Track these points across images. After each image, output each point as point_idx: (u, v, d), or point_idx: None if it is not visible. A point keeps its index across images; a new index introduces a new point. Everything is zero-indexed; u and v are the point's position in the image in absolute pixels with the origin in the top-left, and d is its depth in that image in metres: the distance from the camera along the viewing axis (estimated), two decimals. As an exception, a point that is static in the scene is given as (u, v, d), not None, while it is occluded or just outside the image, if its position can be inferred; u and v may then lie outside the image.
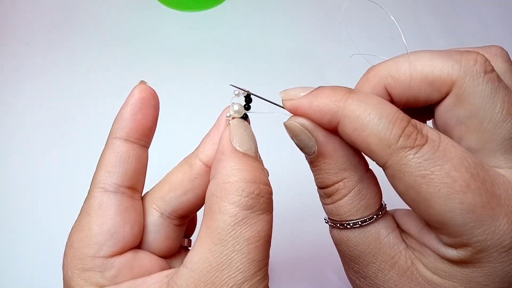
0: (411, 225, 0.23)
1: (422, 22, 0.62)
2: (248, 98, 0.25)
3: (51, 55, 0.56)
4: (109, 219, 0.22)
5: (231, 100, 0.25)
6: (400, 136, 0.20)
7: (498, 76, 0.20)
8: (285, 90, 0.23)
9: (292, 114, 0.23)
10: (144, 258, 0.23)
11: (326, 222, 0.24)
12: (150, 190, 0.25)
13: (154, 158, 0.47)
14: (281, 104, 0.24)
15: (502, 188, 0.20)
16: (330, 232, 0.24)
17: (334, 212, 0.23)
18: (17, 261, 0.43)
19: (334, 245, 0.25)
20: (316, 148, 0.22)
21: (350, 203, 0.22)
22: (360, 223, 0.22)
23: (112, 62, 0.56)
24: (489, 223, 0.19)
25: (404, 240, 0.23)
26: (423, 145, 0.19)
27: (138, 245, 0.24)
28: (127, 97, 0.26)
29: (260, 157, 0.22)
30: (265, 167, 0.23)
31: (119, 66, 0.56)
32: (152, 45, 0.58)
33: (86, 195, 0.24)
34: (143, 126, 0.25)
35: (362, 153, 0.23)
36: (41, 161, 0.48)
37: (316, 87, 0.24)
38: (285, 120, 0.23)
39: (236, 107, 0.24)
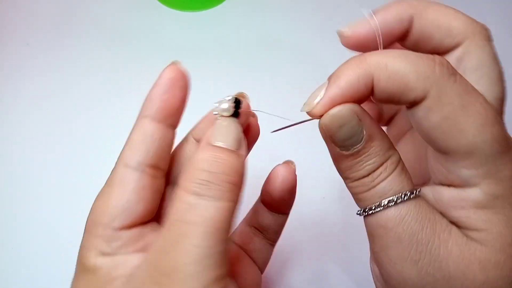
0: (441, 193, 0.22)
1: (422, 22, 0.62)
2: (237, 103, 0.24)
3: (51, 55, 0.56)
4: (126, 195, 0.23)
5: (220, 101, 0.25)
6: (435, 65, 0.20)
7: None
8: (303, 104, 0.22)
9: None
10: (150, 233, 0.24)
11: (362, 214, 0.23)
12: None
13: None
14: (307, 118, 0.23)
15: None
16: (370, 221, 0.22)
17: (380, 193, 0.22)
18: (17, 261, 0.43)
19: (374, 238, 0.23)
20: (365, 133, 0.21)
21: (399, 176, 0.22)
22: (411, 193, 0.21)
23: (112, 62, 0.56)
24: (508, 154, 0.20)
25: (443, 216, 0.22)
26: (457, 74, 0.20)
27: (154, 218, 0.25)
28: (158, 77, 0.27)
29: (243, 149, 0.23)
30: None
31: (119, 66, 0.56)
32: (152, 45, 0.58)
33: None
34: (170, 106, 0.25)
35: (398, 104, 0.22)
36: (41, 161, 0.48)
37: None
38: (323, 118, 0.21)
39: (225, 105, 0.24)
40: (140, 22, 0.60)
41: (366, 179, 0.22)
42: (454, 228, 0.21)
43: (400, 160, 0.22)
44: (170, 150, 0.26)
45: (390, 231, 0.21)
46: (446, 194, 0.22)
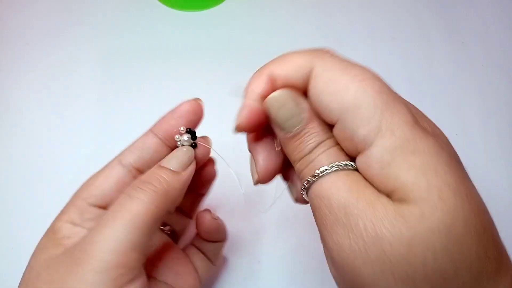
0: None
1: (421, 21, 0.62)
2: (193, 135, 0.30)
3: (51, 55, 0.56)
4: (108, 183, 0.28)
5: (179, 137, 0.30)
6: (317, 50, 0.24)
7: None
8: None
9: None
10: None
11: (302, 190, 0.24)
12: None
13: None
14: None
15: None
16: (309, 195, 0.23)
17: (317, 165, 0.22)
18: (17, 261, 0.43)
19: (313, 212, 0.23)
20: (305, 115, 0.23)
21: (335, 152, 0.23)
22: (345, 164, 0.22)
23: (111, 61, 0.56)
24: (392, 106, 0.21)
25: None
26: (337, 55, 0.24)
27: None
28: (178, 104, 0.31)
29: (186, 172, 0.28)
30: None
31: (118, 66, 0.56)
32: (152, 44, 0.58)
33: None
34: (171, 130, 0.29)
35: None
36: (41, 160, 0.48)
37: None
38: (265, 101, 0.24)
39: (185, 138, 0.29)
40: (140, 22, 0.60)
41: (308, 156, 0.23)
42: (383, 197, 0.20)
43: (337, 143, 0.23)
44: (159, 161, 0.29)
45: (323, 199, 0.22)
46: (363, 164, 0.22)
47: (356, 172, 0.22)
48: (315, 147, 0.23)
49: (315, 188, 0.22)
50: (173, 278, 0.30)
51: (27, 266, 0.26)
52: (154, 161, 0.29)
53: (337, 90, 0.22)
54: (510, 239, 0.43)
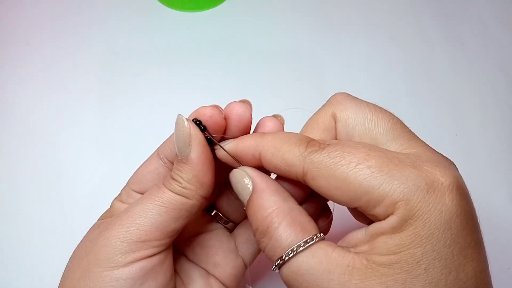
0: (352, 238, 0.24)
1: (422, 22, 0.62)
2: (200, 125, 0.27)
3: (51, 55, 0.56)
4: (144, 172, 0.29)
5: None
6: (307, 147, 0.24)
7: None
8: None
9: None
10: None
11: (275, 269, 0.24)
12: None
13: (151, 153, 0.47)
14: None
15: (398, 155, 0.23)
16: (282, 276, 0.24)
17: (276, 246, 0.23)
18: (18, 262, 0.43)
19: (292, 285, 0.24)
20: (251, 187, 0.25)
21: (287, 229, 0.23)
22: (303, 244, 0.22)
23: (111, 62, 0.56)
24: (399, 175, 0.21)
25: (349, 251, 0.23)
26: (327, 145, 0.23)
27: None
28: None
29: (191, 157, 0.26)
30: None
31: (118, 66, 0.56)
32: (152, 45, 0.58)
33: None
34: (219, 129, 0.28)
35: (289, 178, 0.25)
36: (41, 161, 0.48)
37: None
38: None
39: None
40: (140, 23, 0.60)
41: (259, 233, 0.24)
42: (358, 263, 0.21)
43: (289, 212, 0.24)
44: None
45: (294, 283, 0.23)
46: (372, 228, 0.23)
47: (324, 242, 0.23)
48: (269, 214, 0.24)
49: (290, 265, 0.23)
50: (212, 267, 0.31)
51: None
52: None
53: (339, 185, 0.22)
54: (510, 239, 0.43)
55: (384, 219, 0.22)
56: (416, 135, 0.25)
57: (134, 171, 0.31)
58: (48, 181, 0.47)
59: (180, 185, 0.26)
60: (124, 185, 0.31)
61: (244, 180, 0.25)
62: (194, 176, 0.26)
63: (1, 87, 0.54)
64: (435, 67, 0.58)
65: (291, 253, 0.22)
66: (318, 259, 0.22)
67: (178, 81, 0.55)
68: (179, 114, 0.26)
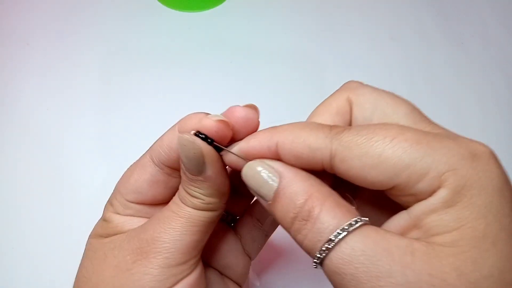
0: (393, 225, 0.21)
1: (422, 22, 0.62)
2: (202, 135, 0.25)
3: (51, 55, 0.56)
4: (140, 181, 0.27)
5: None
6: (330, 129, 0.22)
7: None
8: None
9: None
10: (157, 210, 0.28)
11: (317, 262, 0.21)
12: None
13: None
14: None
15: (430, 132, 0.21)
16: (330, 265, 0.20)
17: (323, 229, 0.20)
18: (18, 262, 0.43)
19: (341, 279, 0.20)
20: (277, 179, 0.22)
21: (332, 210, 0.20)
22: (353, 223, 0.20)
23: (111, 62, 0.56)
24: (440, 146, 0.19)
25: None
26: (353, 127, 0.22)
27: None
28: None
29: (208, 175, 0.25)
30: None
31: (118, 66, 0.56)
32: (152, 45, 0.58)
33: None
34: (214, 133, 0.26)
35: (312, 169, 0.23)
36: (41, 161, 0.48)
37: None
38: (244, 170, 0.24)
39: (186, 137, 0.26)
40: (140, 22, 0.60)
41: (297, 222, 0.21)
42: (417, 245, 0.19)
43: (330, 195, 0.21)
44: None
45: (345, 276, 0.19)
46: (417, 209, 0.20)
47: (370, 229, 0.20)
48: (307, 199, 0.21)
49: (329, 264, 0.20)
50: (224, 268, 0.31)
51: (88, 248, 0.28)
52: None
53: (375, 163, 0.20)
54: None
55: (429, 195, 0.19)
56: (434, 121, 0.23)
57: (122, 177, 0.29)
58: (48, 182, 0.47)
59: (203, 201, 0.25)
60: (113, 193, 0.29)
61: (264, 172, 0.23)
62: (215, 191, 0.25)
63: (1, 87, 0.54)
64: (435, 67, 0.58)
65: (341, 234, 0.19)
66: (373, 240, 0.19)
67: (179, 81, 0.55)
68: (182, 135, 0.24)
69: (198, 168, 0.24)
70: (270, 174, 0.22)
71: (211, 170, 0.24)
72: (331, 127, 0.22)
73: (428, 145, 0.19)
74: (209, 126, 0.24)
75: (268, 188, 0.22)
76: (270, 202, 0.22)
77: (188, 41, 0.59)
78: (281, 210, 0.22)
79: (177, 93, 0.54)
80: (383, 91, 0.24)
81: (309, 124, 0.23)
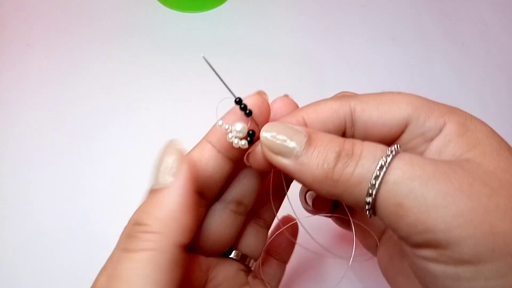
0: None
1: (422, 22, 0.62)
2: (241, 104, 0.23)
3: (52, 56, 0.56)
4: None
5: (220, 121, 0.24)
6: (341, 96, 0.25)
7: None
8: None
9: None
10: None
11: (369, 211, 0.20)
12: None
13: (152, 154, 0.47)
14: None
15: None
16: (384, 197, 0.19)
17: (372, 158, 0.20)
18: (18, 262, 0.43)
19: (398, 220, 0.19)
20: (303, 130, 0.22)
21: (373, 144, 0.21)
22: (396, 148, 0.20)
23: (112, 62, 0.56)
24: (438, 104, 0.23)
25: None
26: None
27: None
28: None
29: (178, 180, 0.21)
30: None
31: (119, 67, 0.56)
32: (153, 45, 0.58)
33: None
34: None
35: None
36: (41, 161, 0.48)
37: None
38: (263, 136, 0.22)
39: (238, 127, 0.23)
40: (140, 23, 0.60)
41: (340, 165, 0.20)
42: (455, 164, 0.20)
43: (360, 141, 0.21)
44: (223, 182, 0.26)
45: (402, 205, 0.19)
46: (434, 146, 0.23)
47: (408, 153, 0.21)
48: (349, 145, 0.21)
49: (384, 198, 0.19)
50: None
51: None
52: (218, 181, 0.25)
53: (390, 107, 0.23)
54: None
55: (438, 131, 0.22)
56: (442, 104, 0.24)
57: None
58: (49, 182, 0.47)
59: (147, 230, 0.20)
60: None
61: (288, 126, 0.22)
62: (171, 211, 0.21)
63: (1, 88, 0.54)
64: (435, 67, 0.58)
65: (390, 157, 0.19)
66: (418, 159, 0.20)
67: (179, 81, 0.55)
68: (239, 124, 0.23)
69: (168, 171, 0.21)
70: (296, 127, 0.22)
71: (180, 179, 0.21)
72: (341, 95, 0.24)
73: (428, 99, 0.23)
74: (252, 97, 0.24)
75: (300, 135, 0.21)
76: (302, 150, 0.21)
77: (189, 42, 0.59)
78: (320, 152, 0.21)
79: (177, 93, 0.54)
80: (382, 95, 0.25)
81: (322, 100, 0.24)
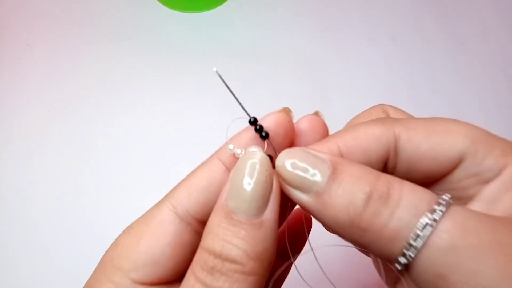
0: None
1: (422, 22, 0.62)
2: (257, 125, 0.19)
3: (52, 56, 0.56)
4: (159, 246, 0.19)
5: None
6: (383, 119, 0.20)
7: None
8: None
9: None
10: None
11: (402, 271, 0.16)
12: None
13: (152, 155, 0.47)
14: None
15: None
16: (424, 262, 0.16)
17: (412, 210, 0.16)
18: (18, 262, 0.43)
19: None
20: (328, 158, 0.18)
21: (415, 189, 0.17)
22: (445, 203, 0.16)
23: (112, 62, 0.56)
24: (497, 138, 0.20)
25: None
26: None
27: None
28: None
29: (269, 211, 0.17)
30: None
31: (120, 67, 0.56)
32: (153, 45, 0.58)
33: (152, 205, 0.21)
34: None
35: None
36: (42, 162, 0.48)
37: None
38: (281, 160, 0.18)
39: (254, 150, 0.18)
40: (140, 23, 0.60)
41: (372, 208, 0.16)
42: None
43: (404, 181, 0.18)
44: None
45: (451, 276, 0.15)
46: (489, 191, 0.19)
47: (462, 209, 0.17)
48: (379, 176, 0.17)
49: (423, 266, 0.16)
50: None
51: None
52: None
53: (444, 139, 0.19)
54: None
55: (496, 174, 0.18)
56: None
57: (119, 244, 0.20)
58: (48, 182, 0.47)
59: (242, 269, 0.17)
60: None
61: (310, 154, 0.18)
62: (265, 250, 0.17)
63: (1, 88, 0.54)
64: (435, 67, 0.58)
65: (438, 213, 0.16)
66: (473, 220, 0.16)
67: (179, 81, 0.55)
68: (254, 148, 0.18)
69: (261, 203, 0.17)
70: (320, 154, 0.18)
71: (272, 213, 0.17)
72: (383, 118, 0.20)
73: (489, 132, 0.19)
74: (279, 120, 0.19)
75: (323, 165, 0.17)
76: (325, 185, 0.17)
77: (189, 42, 0.59)
78: (345, 191, 0.17)
79: (177, 93, 0.54)
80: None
81: (360, 123, 0.20)
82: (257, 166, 0.17)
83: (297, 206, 0.19)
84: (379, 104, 0.23)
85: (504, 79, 0.57)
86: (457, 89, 0.56)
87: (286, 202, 0.19)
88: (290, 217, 0.24)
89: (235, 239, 0.17)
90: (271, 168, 0.18)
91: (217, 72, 0.21)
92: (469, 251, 0.15)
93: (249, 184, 0.17)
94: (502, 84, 0.57)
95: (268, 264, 0.17)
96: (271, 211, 0.17)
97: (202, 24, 0.60)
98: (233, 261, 0.17)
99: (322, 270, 0.22)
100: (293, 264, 0.24)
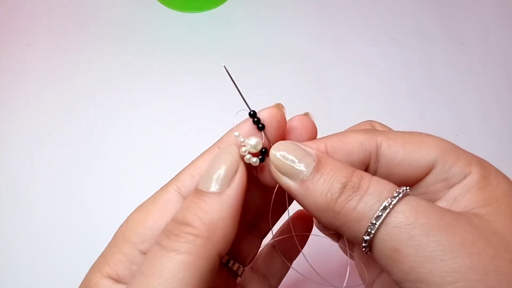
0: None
1: (422, 22, 0.62)
2: (255, 118, 0.23)
3: (52, 56, 0.56)
4: (166, 221, 0.21)
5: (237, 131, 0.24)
6: (368, 130, 0.24)
7: None
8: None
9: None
10: None
11: (366, 248, 0.20)
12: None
13: (152, 155, 0.48)
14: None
15: None
16: (383, 238, 0.19)
17: (377, 196, 0.20)
18: (18, 263, 0.43)
19: (392, 264, 0.19)
20: (313, 152, 0.22)
21: (381, 181, 0.20)
22: (404, 190, 0.20)
23: (113, 63, 0.56)
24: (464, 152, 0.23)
25: None
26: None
27: None
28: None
29: (231, 189, 0.21)
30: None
31: (120, 67, 0.56)
32: (153, 46, 0.58)
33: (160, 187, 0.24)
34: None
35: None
36: (41, 162, 0.48)
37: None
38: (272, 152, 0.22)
39: (253, 141, 0.22)
40: (141, 23, 0.60)
41: (344, 194, 0.20)
42: (461, 215, 0.20)
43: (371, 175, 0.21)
44: None
45: (398, 250, 0.19)
46: (452, 193, 0.22)
47: (415, 197, 0.20)
48: (354, 171, 0.21)
49: (381, 240, 0.19)
50: None
51: None
52: None
53: (418, 148, 0.23)
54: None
55: (461, 179, 0.22)
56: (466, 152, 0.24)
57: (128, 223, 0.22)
58: (49, 182, 0.47)
59: (192, 232, 0.19)
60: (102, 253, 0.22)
61: (299, 148, 0.22)
62: (220, 220, 0.20)
63: (1, 88, 0.54)
64: (436, 67, 0.58)
65: (395, 199, 0.19)
66: (425, 206, 0.20)
67: (179, 81, 0.55)
68: (254, 138, 0.22)
69: (223, 180, 0.21)
70: (307, 149, 0.22)
71: (237, 185, 0.21)
72: (369, 129, 0.24)
73: (457, 146, 0.23)
74: (272, 114, 0.23)
75: (309, 158, 0.21)
76: (309, 174, 0.21)
77: (189, 42, 0.59)
78: (326, 180, 0.21)
79: (177, 93, 0.54)
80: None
81: (348, 130, 0.24)
82: (224, 153, 0.21)
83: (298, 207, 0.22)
84: (368, 120, 0.27)
85: (504, 79, 0.57)
86: (457, 89, 0.56)
87: (258, 188, 0.25)
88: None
89: (195, 208, 0.20)
90: (238, 156, 0.21)
91: (225, 66, 0.25)
92: (418, 228, 0.19)
93: (212, 165, 0.21)
94: (502, 84, 0.57)
95: (221, 234, 0.20)
96: (232, 190, 0.21)
97: (202, 24, 0.60)
98: (187, 224, 0.20)
99: (304, 256, 0.27)
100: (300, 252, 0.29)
